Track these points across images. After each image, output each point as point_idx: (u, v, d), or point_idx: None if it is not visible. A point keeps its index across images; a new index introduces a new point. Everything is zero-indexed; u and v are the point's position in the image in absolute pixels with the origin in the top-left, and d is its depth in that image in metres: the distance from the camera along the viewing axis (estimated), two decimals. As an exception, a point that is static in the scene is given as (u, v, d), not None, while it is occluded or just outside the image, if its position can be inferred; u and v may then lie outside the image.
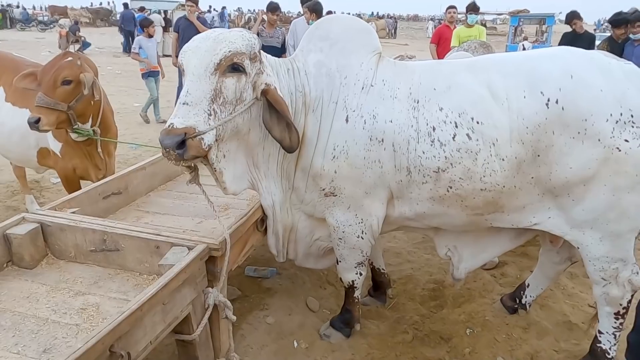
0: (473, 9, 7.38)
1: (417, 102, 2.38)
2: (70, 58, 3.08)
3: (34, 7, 44.98)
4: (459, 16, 9.01)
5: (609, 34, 7.01)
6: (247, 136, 2.33)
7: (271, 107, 2.21)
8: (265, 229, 2.73)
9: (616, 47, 5.77)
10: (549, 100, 2.22)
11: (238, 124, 2.20)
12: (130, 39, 19.48)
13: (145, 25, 8.24)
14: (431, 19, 35.29)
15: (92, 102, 3.19)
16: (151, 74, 8.11)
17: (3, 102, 3.58)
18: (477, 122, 2.29)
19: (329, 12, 9.57)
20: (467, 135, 2.30)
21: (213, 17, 23.63)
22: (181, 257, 2.01)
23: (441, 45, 7.43)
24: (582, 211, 2.33)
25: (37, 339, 1.80)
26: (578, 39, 6.81)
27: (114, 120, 3.62)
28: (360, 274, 2.82)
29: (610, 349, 2.56)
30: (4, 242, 2.22)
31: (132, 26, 19.15)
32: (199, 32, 8.28)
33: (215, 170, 2.22)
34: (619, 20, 5.85)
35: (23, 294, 2.07)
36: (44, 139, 3.48)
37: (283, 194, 2.59)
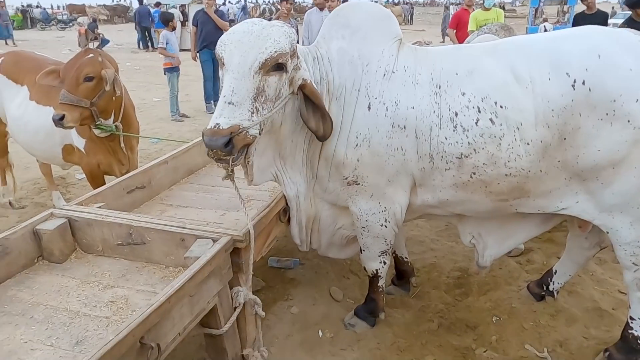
0: None
1: (439, 88, 2.34)
2: (91, 55, 3.11)
3: (52, 7, 45.65)
4: None
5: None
6: (279, 130, 2.33)
7: (307, 99, 2.21)
8: (288, 220, 2.74)
9: (637, 26, 5.56)
10: (575, 81, 2.16)
11: (274, 119, 2.20)
12: (146, 34, 19.67)
13: (170, 19, 8.26)
14: (446, 6, 34.50)
15: (113, 98, 3.22)
16: (174, 69, 8.14)
17: (27, 101, 3.64)
18: (501, 107, 2.25)
19: None
20: (491, 120, 2.26)
21: (228, 9, 23.68)
22: (206, 249, 2.03)
23: (460, 29, 7.28)
24: (612, 195, 2.27)
25: (70, 332, 1.84)
26: (589, 18, 6.54)
27: (135, 116, 3.66)
28: (384, 263, 2.81)
29: (642, 335, 2.50)
30: (34, 237, 2.26)
31: (147, 22, 19.32)
32: (217, 26, 8.32)
33: (248, 163, 2.22)
34: (635, 3, 5.62)
35: (54, 288, 2.11)
36: (68, 136, 3.54)
37: (306, 184, 2.59)
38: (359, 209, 2.57)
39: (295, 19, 7.53)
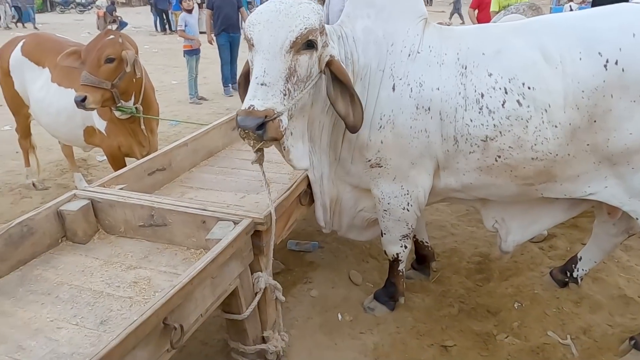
0: None
1: (465, 68, 2.28)
2: (112, 36, 3.11)
3: (71, -10, 45.72)
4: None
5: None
6: (310, 111, 2.29)
7: (334, 79, 2.16)
8: (309, 203, 2.72)
9: None
10: (607, 61, 2.08)
11: (305, 100, 2.15)
12: (164, 16, 19.62)
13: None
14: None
15: (134, 80, 3.22)
16: (194, 52, 8.10)
17: (49, 83, 3.67)
18: (529, 88, 2.18)
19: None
20: (518, 101, 2.19)
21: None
22: (227, 231, 2.02)
23: (482, 10, 7.08)
24: (643, 180, 2.20)
25: (94, 311, 1.86)
26: None
27: (155, 98, 3.66)
28: (405, 247, 2.78)
29: (671, 323, 2.44)
30: (58, 218, 2.29)
31: (165, 4, 19.25)
32: (234, 9, 8.20)
33: (284, 149, 2.19)
34: None
35: (78, 268, 2.14)
36: (89, 118, 3.56)
37: (329, 166, 2.56)
38: (381, 192, 2.54)
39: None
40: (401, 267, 2.88)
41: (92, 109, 3.13)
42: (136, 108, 3.35)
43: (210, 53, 8.77)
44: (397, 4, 2.37)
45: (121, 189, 2.48)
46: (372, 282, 3.26)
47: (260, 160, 2.17)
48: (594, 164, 2.27)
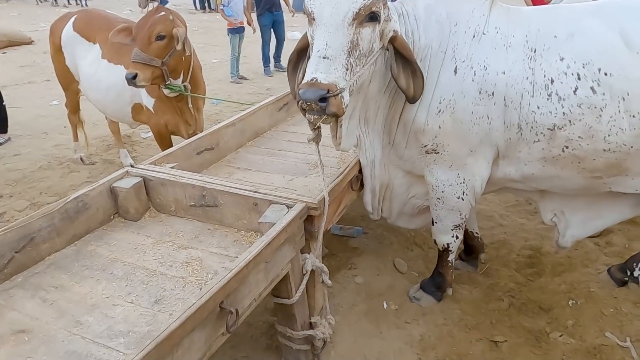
0: None
1: (534, 52, 2.13)
2: (163, 12, 3.08)
3: (114, -33, 46.30)
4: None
5: None
6: (367, 89, 2.21)
7: (397, 54, 2.08)
8: (359, 188, 2.65)
9: None
10: None
11: (365, 77, 2.08)
12: (204, -6, 19.63)
13: None
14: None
15: (183, 58, 3.20)
16: (237, 30, 8.04)
17: (100, 59, 3.69)
18: (605, 74, 2.02)
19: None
20: (592, 88, 2.04)
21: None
22: (280, 215, 1.98)
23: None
24: None
25: (148, 290, 1.86)
26: None
27: (202, 77, 3.64)
28: (457, 237, 2.68)
29: None
30: (111, 194, 2.30)
31: (204, -18, 19.26)
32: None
33: (339, 126, 2.13)
34: None
35: (131, 246, 2.15)
36: (137, 95, 3.57)
37: (382, 149, 2.48)
38: (435, 179, 2.44)
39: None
40: (451, 257, 2.78)
41: (143, 87, 3.13)
42: (184, 86, 3.33)
43: (250, 32, 8.71)
44: None
45: (172, 167, 2.47)
46: (417, 271, 3.18)
47: (317, 139, 2.11)
48: (673, 157, 2.11)
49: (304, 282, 2.14)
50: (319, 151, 2.20)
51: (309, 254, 2.18)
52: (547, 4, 4.87)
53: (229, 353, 2.49)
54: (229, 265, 1.96)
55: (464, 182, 2.41)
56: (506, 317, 2.76)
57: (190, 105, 3.45)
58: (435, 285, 2.86)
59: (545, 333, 2.65)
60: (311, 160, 2.96)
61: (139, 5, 19.22)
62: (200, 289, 1.80)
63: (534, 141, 2.20)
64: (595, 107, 2.05)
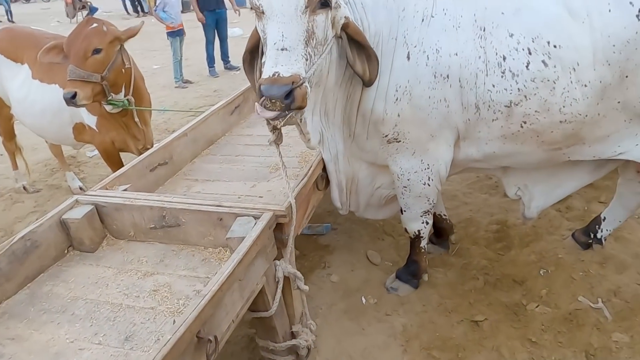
0: None
1: (484, 30, 2.12)
2: (95, 24, 2.88)
3: (34, -22, 43.90)
4: None
5: None
6: (326, 80, 2.13)
7: (351, 40, 2.03)
8: (325, 187, 2.59)
9: None
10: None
11: (322, 68, 2.00)
12: (135, -2, 18.90)
13: None
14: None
15: (123, 70, 3.02)
16: (177, 33, 7.74)
17: (30, 80, 3.43)
18: (554, 46, 2.03)
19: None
20: (543, 62, 2.05)
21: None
22: (248, 228, 1.88)
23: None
24: (678, 134, 2.09)
25: (116, 327, 1.73)
26: None
27: (145, 87, 3.45)
28: (427, 223, 2.67)
29: None
30: (62, 227, 2.13)
31: (135, -15, 18.53)
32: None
33: (301, 121, 2.05)
34: None
35: (91, 280, 1.99)
36: (78, 115, 3.35)
37: (344, 142, 2.42)
38: (400, 168, 2.41)
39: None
40: (423, 243, 2.78)
41: (83, 105, 2.92)
42: (127, 100, 3.14)
43: (190, 33, 8.43)
44: None
45: (125, 189, 2.32)
46: (390, 261, 3.17)
47: (278, 141, 2.03)
48: (625, 122, 2.16)
49: (279, 290, 2.06)
50: (280, 153, 2.12)
51: (279, 260, 2.10)
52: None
53: (211, 374, 2.38)
54: (200, 287, 1.88)
55: (428, 168, 2.39)
56: (483, 295, 2.79)
57: (136, 119, 3.27)
58: (411, 273, 2.85)
59: (522, 306, 2.69)
60: (271, 163, 2.87)
61: (67, 16, 18.36)
62: (173, 318, 1.69)
63: (493, 119, 2.20)
64: (549, 80, 2.06)
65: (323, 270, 3.07)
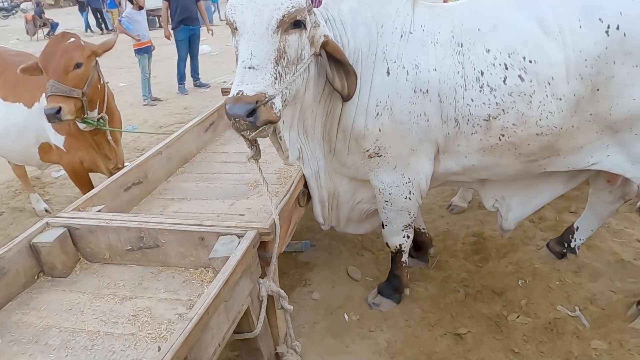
0: None
1: (461, 46, 2.16)
2: (72, 38, 2.79)
3: (-10, -6, 42.69)
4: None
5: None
6: (303, 97, 2.12)
7: (331, 58, 2.03)
8: (307, 203, 2.56)
9: None
10: (608, 27, 2.02)
11: (298, 85, 1.98)
12: (98, 16, 18.57)
13: None
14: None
15: (99, 87, 2.93)
16: (145, 50, 7.59)
17: (-7, 98, 3.28)
18: (530, 62, 2.09)
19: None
20: (519, 76, 2.10)
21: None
22: (232, 247, 1.83)
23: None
24: (647, 146, 2.17)
25: (94, 356, 1.64)
26: None
27: (115, 105, 3.35)
28: (408, 237, 2.67)
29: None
30: (32, 252, 2.02)
31: (98, 3, 18.23)
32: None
33: (280, 139, 2.04)
34: None
35: (64, 307, 1.89)
36: (44, 134, 3.22)
37: (324, 158, 2.41)
38: (381, 182, 2.41)
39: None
40: (404, 258, 2.77)
41: (68, 121, 2.78)
42: (101, 118, 3.04)
43: (158, 50, 8.30)
44: None
45: (99, 210, 2.23)
46: (371, 276, 3.15)
47: (256, 156, 2.01)
48: (597, 133, 2.23)
49: (263, 310, 2.01)
50: (260, 169, 2.08)
51: (262, 278, 2.05)
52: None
53: (192, 401, 2.28)
54: (183, 310, 1.81)
55: (409, 182, 2.40)
56: (464, 308, 2.80)
57: (109, 138, 3.16)
58: (393, 287, 2.84)
59: (503, 317, 2.71)
60: (249, 180, 2.82)
61: (27, 33, 17.89)
62: (157, 344, 1.62)
63: (472, 133, 2.23)
64: (525, 94, 2.11)
65: (304, 288, 3.02)
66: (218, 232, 1.93)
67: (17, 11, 28.20)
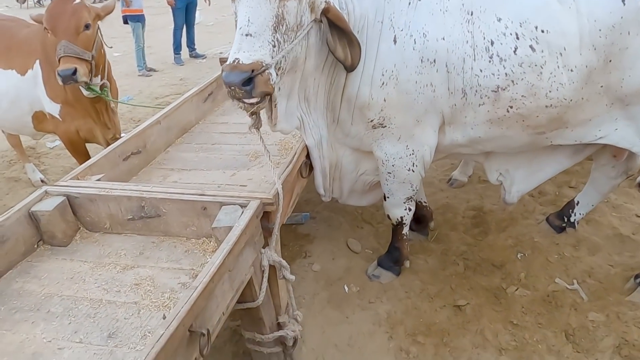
0: None
1: (471, 14, 2.10)
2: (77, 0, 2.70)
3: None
4: None
5: None
6: (303, 66, 2.07)
7: (332, 26, 1.97)
8: (309, 174, 2.53)
9: None
10: None
11: (297, 53, 1.93)
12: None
13: None
14: None
15: (102, 51, 2.85)
16: (139, 19, 7.38)
17: (-17, 66, 3.19)
18: (542, 31, 2.04)
19: None
20: (531, 47, 2.05)
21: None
22: (235, 217, 1.80)
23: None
24: (656, 119, 2.14)
25: (97, 324, 1.62)
26: None
27: (112, 74, 3.27)
28: (409, 210, 2.66)
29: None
30: (31, 220, 1.98)
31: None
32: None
33: (274, 106, 1.99)
34: None
35: (66, 275, 1.87)
36: (38, 102, 3.14)
37: (327, 128, 2.37)
38: (385, 153, 2.38)
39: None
40: (405, 230, 2.77)
41: (84, 82, 2.72)
42: (104, 85, 2.96)
43: (152, 20, 8.11)
44: None
45: (98, 179, 2.19)
46: (370, 249, 3.15)
47: (257, 125, 1.97)
48: (606, 106, 2.20)
49: (265, 279, 2.00)
50: (262, 138, 2.04)
51: (264, 248, 2.03)
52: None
53: (194, 370, 2.30)
54: (186, 279, 1.80)
55: (413, 154, 2.37)
56: (464, 280, 2.81)
57: (113, 105, 3.09)
58: (393, 260, 2.84)
59: (502, 289, 2.73)
60: (250, 151, 2.78)
61: (17, 1, 17.40)
62: (162, 312, 1.60)
63: (479, 104, 2.20)
64: (536, 65, 2.07)
65: (304, 260, 3.02)
66: (221, 201, 1.90)
67: (5, -22, 27.38)
